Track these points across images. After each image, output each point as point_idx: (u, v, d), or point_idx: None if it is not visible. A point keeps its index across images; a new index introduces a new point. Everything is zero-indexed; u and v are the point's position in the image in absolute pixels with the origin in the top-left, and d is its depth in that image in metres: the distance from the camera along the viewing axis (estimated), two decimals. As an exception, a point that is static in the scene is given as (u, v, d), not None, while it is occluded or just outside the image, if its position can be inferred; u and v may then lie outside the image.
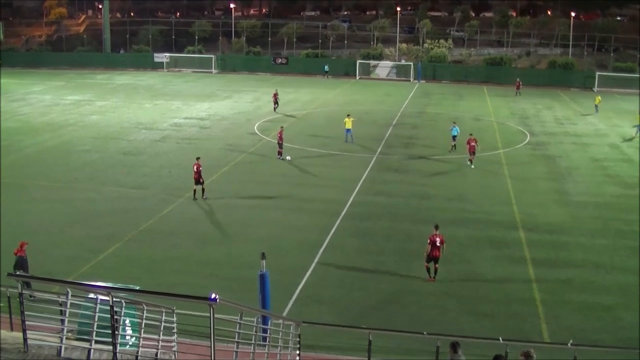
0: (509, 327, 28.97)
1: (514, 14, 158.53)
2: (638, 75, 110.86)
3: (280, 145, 58.22)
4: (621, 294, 32.15)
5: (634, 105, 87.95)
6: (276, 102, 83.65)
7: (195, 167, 46.04)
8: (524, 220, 43.59)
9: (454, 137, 62.85)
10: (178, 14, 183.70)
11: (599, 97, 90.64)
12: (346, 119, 65.55)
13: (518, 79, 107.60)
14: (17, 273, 29.97)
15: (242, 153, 60.26)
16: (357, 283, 33.86)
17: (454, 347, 19.08)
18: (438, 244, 33.70)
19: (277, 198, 47.01)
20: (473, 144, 56.59)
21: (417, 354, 22.49)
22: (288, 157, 56.09)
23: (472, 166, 56.24)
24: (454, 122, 65.58)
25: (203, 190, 46.11)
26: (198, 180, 45.99)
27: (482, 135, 70.48)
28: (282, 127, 60.71)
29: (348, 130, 65.16)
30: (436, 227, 34.35)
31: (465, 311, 30.96)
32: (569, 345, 22.05)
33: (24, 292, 26.51)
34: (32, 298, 25.88)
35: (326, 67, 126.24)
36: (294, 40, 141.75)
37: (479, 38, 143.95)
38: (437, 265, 33.83)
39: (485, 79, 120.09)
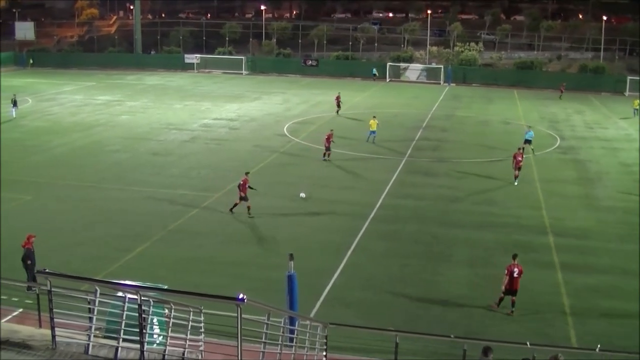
0: (536, 331, 28.83)
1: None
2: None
3: (327, 147, 58.29)
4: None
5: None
6: (338, 105, 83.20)
7: (242, 181, 43.74)
8: (553, 224, 43.35)
9: (529, 141, 62.51)
10: (209, 15, 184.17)
11: (638, 101, 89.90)
12: (371, 121, 65.70)
13: (563, 83, 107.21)
14: (28, 264, 30.52)
15: (271, 154, 60.37)
16: (383, 286, 33.82)
17: (486, 351, 19.00)
18: (516, 275, 30.75)
19: (305, 200, 47.01)
20: (520, 158, 53.16)
21: (444, 357, 22.42)
22: (302, 194, 47.90)
23: (516, 183, 52.69)
24: (529, 127, 65.48)
25: (248, 207, 43.48)
26: (243, 196, 43.53)
27: (511, 138, 70.30)
28: (331, 129, 60.61)
29: (373, 132, 65.44)
30: (514, 257, 31.49)
31: (491, 315, 30.87)
32: (596, 350, 21.91)
33: (28, 284, 26.86)
34: (33, 290, 26.31)
35: (374, 70, 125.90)
36: (324, 42, 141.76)
37: (509, 41, 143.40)
38: (514, 298, 30.85)
39: (515, 83, 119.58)
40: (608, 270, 36.01)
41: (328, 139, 58.53)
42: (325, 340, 22.16)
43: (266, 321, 16.92)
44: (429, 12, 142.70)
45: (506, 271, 30.98)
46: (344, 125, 74.07)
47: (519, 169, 53.02)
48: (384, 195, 48.97)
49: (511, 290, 30.77)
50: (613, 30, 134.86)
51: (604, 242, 40.88)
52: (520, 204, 47.76)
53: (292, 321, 22.00)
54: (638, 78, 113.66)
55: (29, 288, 25.65)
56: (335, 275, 34.64)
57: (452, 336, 21.50)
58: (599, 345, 22.07)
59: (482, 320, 30.19)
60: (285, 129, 72.72)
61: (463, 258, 37.49)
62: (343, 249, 38.14)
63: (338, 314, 28.84)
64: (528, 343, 20.58)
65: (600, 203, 49.12)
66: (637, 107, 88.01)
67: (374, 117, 67.13)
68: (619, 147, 68.05)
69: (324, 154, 58.52)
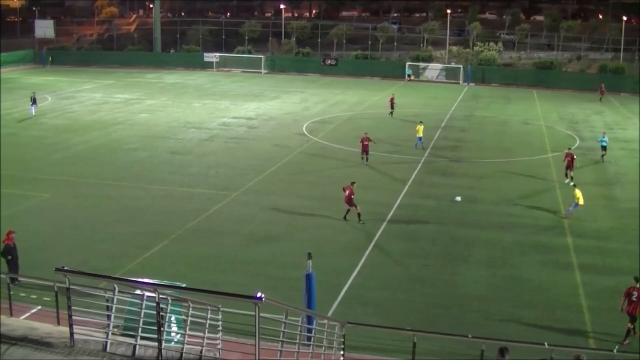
0: (554, 332, 28.74)
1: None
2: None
3: (363, 151, 57.11)
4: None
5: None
6: (392, 107, 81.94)
7: (347, 191, 43.01)
8: (572, 225, 43.21)
9: (604, 147, 61.67)
10: (228, 14, 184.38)
11: None
12: (418, 126, 64.17)
13: (602, 84, 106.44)
14: (9, 259, 30.90)
15: (290, 153, 60.40)
16: (402, 286, 33.83)
17: (502, 352, 18.99)
18: (634, 299, 28.32)
19: (324, 199, 47.00)
20: (569, 158, 53.09)
21: (462, 357, 22.37)
22: (458, 198, 47.61)
23: (570, 182, 51.23)
24: (604, 133, 64.85)
25: (358, 214, 42.82)
26: (349, 204, 42.93)
27: (530, 139, 70.22)
28: (366, 132, 58.98)
29: (420, 137, 63.87)
30: (636, 280, 28.76)
31: (509, 316, 30.78)
32: (614, 351, 21.85)
33: (11, 275, 27.05)
34: (17, 283, 26.59)
35: (408, 71, 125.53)
36: (344, 41, 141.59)
37: (529, 41, 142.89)
38: (631, 326, 28.54)
39: (534, 83, 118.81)
40: (627, 272, 35.57)
41: (363, 143, 57.14)
42: (342, 340, 22.15)
43: (284, 320, 16.93)
44: (448, 11, 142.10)
45: (625, 293, 28.96)
46: (362, 125, 73.51)
47: (569, 168, 52.98)
48: (402, 195, 48.94)
49: (631, 315, 28.48)
50: (633, 31, 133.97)
51: (623, 243, 40.68)
52: (539, 205, 47.56)
53: (309, 320, 22.02)
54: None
55: (12, 280, 25.86)
56: (354, 274, 34.67)
57: (469, 336, 21.46)
58: (617, 346, 22.01)
59: (500, 321, 30.08)
60: (304, 128, 72.71)
61: (482, 259, 37.42)
62: (361, 248, 38.21)
63: (356, 313, 28.90)
64: (546, 344, 20.52)
65: (619, 204, 48.92)
66: None
67: (421, 122, 65.31)
68: (638, 148, 67.54)
69: (364, 158, 57.34)
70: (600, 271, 36.23)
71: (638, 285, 28.69)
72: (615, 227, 43.63)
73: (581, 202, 44.32)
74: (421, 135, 63.78)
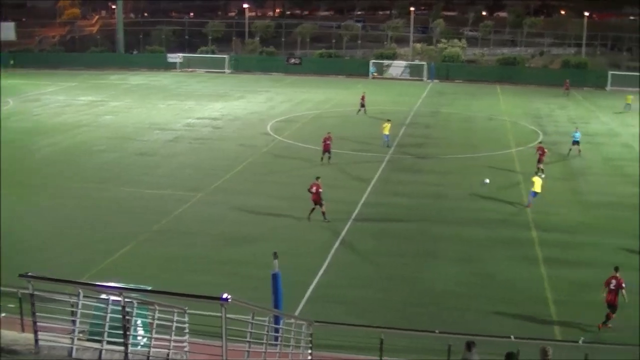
0: (521, 325, 28.89)
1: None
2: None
3: (325, 151, 56.63)
4: (632, 294, 31.70)
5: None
6: (363, 105, 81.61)
7: (314, 187, 42.64)
8: (537, 219, 43.44)
9: (576, 142, 61.41)
10: (192, 14, 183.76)
11: (630, 96, 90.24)
12: (385, 124, 64.42)
13: (567, 80, 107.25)
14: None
15: (255, 153, 60.33)
16: (375, 284, 33.80)
17: (469, 346, 19.13)
18: (612, 287, 29.00)
19: (291, 198, 46.83)
20: (540, 152, 54.06)
21: (431, 353, 22.44)
22: (486, 180, 48.55)
23: (541, 174, 49.73)
24: (577, 127, 65.05)
25: (323, 213, 42.62)
26: (317, 201, 42.68)
27: (495, 134, 70.60)
28: (329, 132, 58.53)
29: (386, 135, 64.13)
30: (615, 269, 29.59)
31: (483, 311, 30.90)
32: (580, 343, 22.02)
33: None
34: None
35: (372, 68, 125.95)
36: (308, 40, 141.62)
37: (492, 38, 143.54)
38: (610, 313, 29.13)
39: (498, 79, 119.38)
40: (593, 265, 35.96)
41: (325, 142, 56.79)
42: (310, 339, 22.15)
43: (251, 320, 16.92)
44: (412, 9, 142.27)
45: (604, 283, 29.52)
46: (327, 123, 73.41)
47: (540, 161, 53.43)
48: (367, 193, 48.99)
49: (609, 304, 29.13)
50: (595, 26, 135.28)
51: (589, 236, 41.02)
52: (504, 200, 47.79)
53: (276, 320, 22.00)
54: (619, 73, 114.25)
55: None
56: (320, 273, 34.64)
57: (436, 331, 21.55)
58: (582, 338, 22.17)
59: (477, 318, 30.07)
60: (269, 128, 72.63)
61: (452, 255, 37.51)
62: (328, 247, 38.22)
63: (327, 313, 28.78)
64: (512, 337, 20.66)
65: (584, 198, 49.29)
66: (630, 102, 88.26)
67: (388, 120, 65.53)
68: (601, 142, 68.21)
69: (324, 157, 56.81)
70: (566, 264, 36.46)
71: (618, 274, 29.20)
72: (581, 221, 43.94)
73: (536, 188, 44.93)
74: (387, 133, 63.81)
